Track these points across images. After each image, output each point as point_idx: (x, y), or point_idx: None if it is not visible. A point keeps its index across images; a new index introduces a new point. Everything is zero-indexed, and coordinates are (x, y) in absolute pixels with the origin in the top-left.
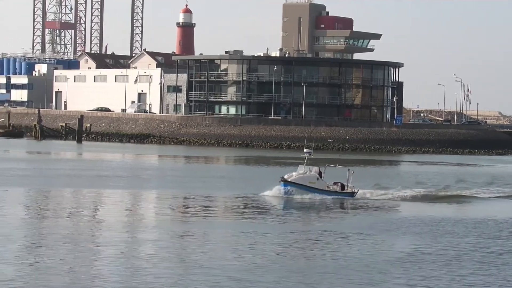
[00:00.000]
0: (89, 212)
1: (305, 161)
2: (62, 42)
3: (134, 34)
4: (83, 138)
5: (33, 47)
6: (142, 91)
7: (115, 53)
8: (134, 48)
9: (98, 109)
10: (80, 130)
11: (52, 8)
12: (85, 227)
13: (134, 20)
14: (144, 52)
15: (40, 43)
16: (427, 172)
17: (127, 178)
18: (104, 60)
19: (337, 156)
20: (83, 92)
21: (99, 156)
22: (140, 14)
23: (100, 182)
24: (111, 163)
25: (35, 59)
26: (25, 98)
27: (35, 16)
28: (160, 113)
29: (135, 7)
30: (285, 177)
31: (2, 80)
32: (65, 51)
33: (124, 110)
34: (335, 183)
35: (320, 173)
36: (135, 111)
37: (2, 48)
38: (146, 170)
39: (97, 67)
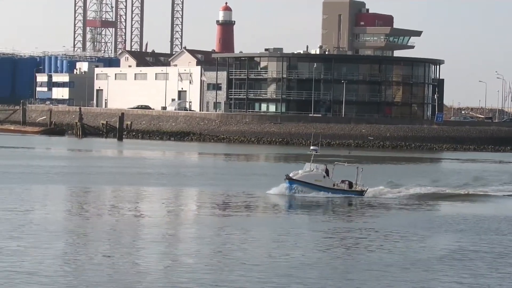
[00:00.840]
0: (132, 209)
1: (312, 158)
2: (103, 40)
3: (174, 32)
4: (123, 136)
5: (74, 45)
6: (182, 89)
7: (155, 51)
8: (174, 46)
9: (138, 107)
10: (121, 127)
11: (93, 6)
12: (128, 224)
13: (174, 18)
14: (184, 50)
15: (81, 42)
16: (488, 169)
17: (169, 175)
18: (145, 58)
19: (346, 153)
20: (124, 90)
21: (140, 154)
22: (180, 12)
23: (142, 179)
24: (152, 160)
25: (76, 57)
26: (66, 96)
27: (76, 14)
28: (200, 110)
29: (175, 4)
30: (291, 174)
31: (44, 78)
32: (106, 49)
33: (164, 108)
34: (343, 181)
35: (327, 171)
36: (175, 109)
37: (44, 46)
38: (187, 167)
39: (138, 65)
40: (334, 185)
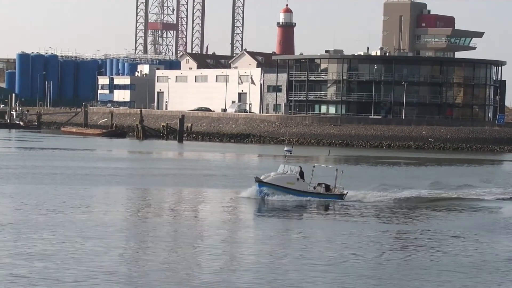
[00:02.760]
0: (195, 210)
1: (285, 159)
2: (164, 43)
3: (235, 34)
4: (184, 138)
5: (135, 48)
6: (242, 91)
7: (216, 53)
8: (234, 48)
9: (198, 109)
10: (181, 130)
11: (155, 9)
12: (190, 226)
13: (235, 20)
14: (244, 52)
15: (143, 44)
16: None
17: (232, 177)
18: (205, 60)
19: (326, 154)
20: (184, 92)
21: (201, 156)
22: (241, 14)
23: (205, 180)
24: (214, 162)
25: (137, 60)
26: (127, 99)
27: (138, 17)
28: (260, 112)
29: (236, 7)
30: (262, 177)
31: (105, 81)
32: (167, 51)
33: (224, 110)
34: (319, 184)
35: (301, 173)
36: (235, 111)
37: (106, 49)
38: (250, 169)
39: (198, 67)
40: (311, 188)
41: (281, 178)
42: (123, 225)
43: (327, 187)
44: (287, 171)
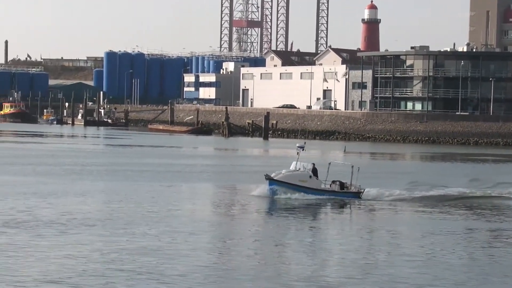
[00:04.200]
0: (281, 207)
1: (298, 156)
2: (249, 40)
3: (320, 31)
4: (269, 135)
5: (220, 45)
6: (327, 88)
7: (300, 50)
8: (319, 45)
9: (283, 106)
10: (266, 127)
11: (239, 7)
12: (277, 222)
13: (320, 17)
14: (329, 49)
15: (228, 42)
16: None
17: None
18: (290, 58)
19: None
20: (269, 89)
21: (286, 153)
22: (326, 11)
23: None
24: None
25: (222, 58)
26: (213, 96)
27: (223, 15)
28: (345, 109)
29: (320, 3)
30: (273, 174)
31: (191, 78)
32: (252, 49)
33: (309, 107)
34: (333, 182)
35: (314, 171)
36: (320, 108)
37: (191, 47)
38: (336, 166)
39: (283, 65)
40: (325, 186)
41: (293, 175)
42: (213, 221)
43: (342, 185)
44: (299, 168)
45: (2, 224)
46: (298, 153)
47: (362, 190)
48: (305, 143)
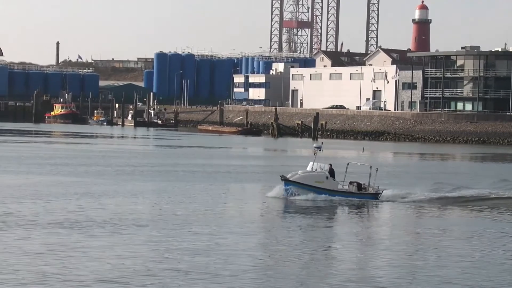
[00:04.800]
0: (332, 207)
1: (315, 157)
2: (299, 41)
3: (370, 32)
4: (318, 136)
5: (270, 46)
6: (377, 88)
7: (350, 51)
8: (369, 45)
9: (333, 107)
10: (315, 127)
11: (290, 7)
12: (327, 223)
13: (370, 18)
14: (379, 49)
15: (277, 42)
16: None
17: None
18: (340, 58)
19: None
20: (319, 90)
21: (335, 153)
22: (376, 12)
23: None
24: (348, 160)
25: (272, 58)
26: (262, 97)
27: (273, 15)
28: (395, 110)
29: (371, 4)
30: (289, 175)
31: (240, 79)
32: (301, 49)
33: (359, 108)
34: (351, 183)
35: (331, 171)
36: (369, 109)
37: (241, 47)
38: (386, 167)
39: (333, 65)
40: (342, 187)
41: (309, 176)
42: (265, 221)
43: (359, 186)
44: (316, 169)
45: (56, 224)
46: (315, 153)
47: (380, 192)
48: (322, 143)
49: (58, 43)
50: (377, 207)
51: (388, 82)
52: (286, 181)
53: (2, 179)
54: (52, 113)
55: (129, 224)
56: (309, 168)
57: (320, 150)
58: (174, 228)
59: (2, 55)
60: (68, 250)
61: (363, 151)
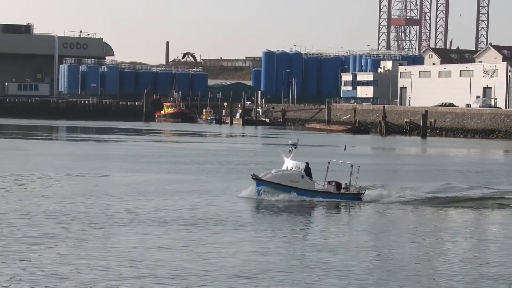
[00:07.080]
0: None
1: (291, 155)
2: (407, 38)
3: (480, 28)
4: (427, 134)
5: (378, 44)
6: (487, 85)
7: (459, 48)
8: (479, 42)
9: (442, 105)
10: (424, 126)
11: (398, 5)
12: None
13: (480, 14)
14: (489, 46)
15: (385, 40)
16: None
17: (472, 173)
18: (449, 55)
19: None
20: (427, 87)
21: (445, 152)
22: (486, 8)
23: (444, 176)
24: (457, 158)
25: (380, 56)
26: (370, 95)
27: (381, 13)
28: (506, 107)
29: (480, 0)
30: (261, 174)
31: (348, 77)
32: (410, 47)
33: (468, 105)
34: (329, 182)
35: (308, 170)
36: (480, 106)
37: (349, 45)
38: (494, 165)
39: (442, 63)
40: (320, 186)
41: (282, 175)
42: (366, 221)
43: (339, 186)
44: (291, 168)
45: (182, 222)
46: (290, 151)
47: (363, 192)
48: (298, 140)
49: (167, 43)
50: (356, 209)
51: (496, 78)
52: (258, 181)
53: (121, 177)
54: (162, 112)
55: (251, 221)
56: (284, 166)
57: (295, 147)
58: (294, 225)
59: (113, 55)
60: (198, 246)
61: (344, 149)
